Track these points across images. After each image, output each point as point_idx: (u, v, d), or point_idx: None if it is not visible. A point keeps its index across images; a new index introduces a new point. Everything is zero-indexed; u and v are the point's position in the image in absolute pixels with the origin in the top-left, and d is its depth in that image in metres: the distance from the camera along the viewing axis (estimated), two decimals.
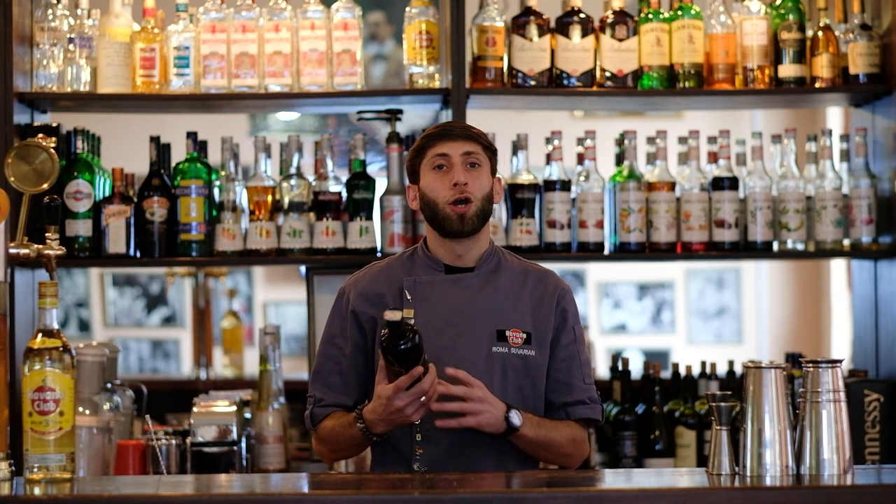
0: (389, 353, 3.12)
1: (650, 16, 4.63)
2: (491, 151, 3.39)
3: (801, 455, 3.04)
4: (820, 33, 4.62)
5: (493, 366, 3.31)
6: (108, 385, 4.34)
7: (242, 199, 4.56)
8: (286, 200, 4.55)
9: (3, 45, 4.33)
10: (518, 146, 4.58)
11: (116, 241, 4.47)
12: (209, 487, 3.20)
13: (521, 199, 4.56)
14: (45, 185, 3.21)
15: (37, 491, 2.90)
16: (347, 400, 3.36)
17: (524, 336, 3.34)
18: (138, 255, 4.52)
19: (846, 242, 4.67)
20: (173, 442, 4.15)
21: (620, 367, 4.64)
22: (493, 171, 3.40)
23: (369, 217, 4.55)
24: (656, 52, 4.60)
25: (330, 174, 4.56)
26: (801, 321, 8.16)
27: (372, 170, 4.77)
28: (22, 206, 3.22)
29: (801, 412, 3.06)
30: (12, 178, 3.20)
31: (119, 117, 5.54)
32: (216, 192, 4.57)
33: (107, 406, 4.28)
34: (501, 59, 4.56)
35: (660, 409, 4.59)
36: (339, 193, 4.55)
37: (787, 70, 4.61)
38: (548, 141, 4.62)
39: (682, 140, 4.69)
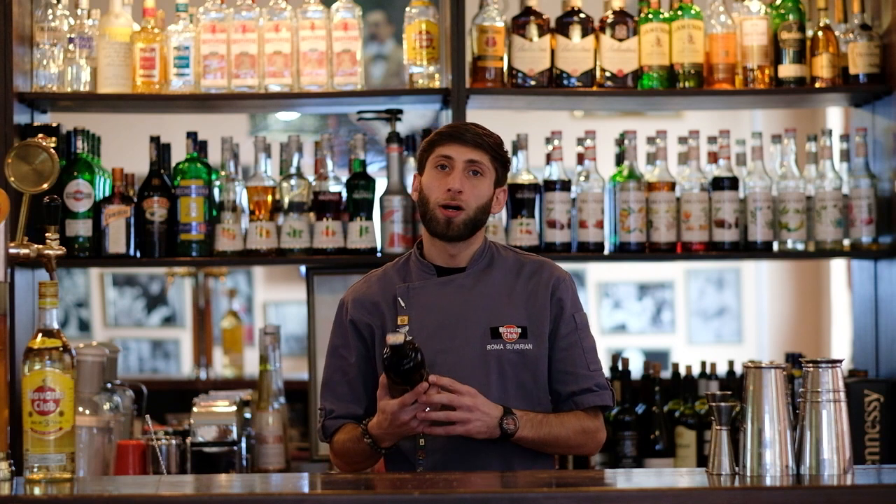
0: (392, 372, 3.14)
1: (650, 16, 4.62)
2: (500, 162, 3.36)
3: (801, 455, 3.04)
4: (820, 33, 4.62)
5: (490, 364, 3.31)
6: (108, 385, 4.34)
7: (242, 199, 4.56)
8: (286, 200, 4.54)
9: (3, 45, 4.32)
10: (518, 146, 4.58)
11: (116, 241, 4.46)
12: (209, 487, 3.19)
13: (521, 199, 4.56)
14: (45, 185, 3.20)
15: (37, 491, 2.90)
16: (357, 409, 3.37)
17: (519, 331, 3.33)
18: (138, 255, 4.52)
19: (846, 242, 4.67)
20: (173, 442, 4.14)
21: (620, 367, 4.64)
22: (500, 181, 3.38)
23: (369, 217, 4.55)
24: (656, 52, 4.60)
25: (330, 174, 4.55)
26: (801, 321, 8.15)
27: (372, 170, 4.76)
28: (22, 206, 3.21)
29: (801, 412, 3.05)
30: (12, 178, 3.20)
31: (119, 117, 5.55)
32: (216, 192, 4.56)
33: (107, 406, 4.28)
34: (501, 59, 4.56)
35: (660, 409, 4.58)
36: (339, 193, 4.55)
37: (787, 70, 4.61)
38: (548, 141, 4.62)
39: (682, 140, 4.69)
